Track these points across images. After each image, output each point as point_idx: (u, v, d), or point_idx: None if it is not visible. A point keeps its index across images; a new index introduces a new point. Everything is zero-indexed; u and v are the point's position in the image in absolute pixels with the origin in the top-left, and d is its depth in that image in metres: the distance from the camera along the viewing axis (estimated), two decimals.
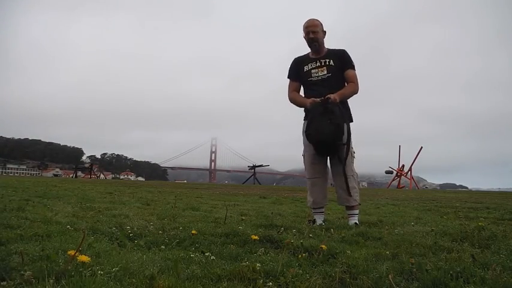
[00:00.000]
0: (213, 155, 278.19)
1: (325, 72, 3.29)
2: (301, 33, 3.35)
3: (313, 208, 3.37)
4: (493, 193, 22.66)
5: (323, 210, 3.39)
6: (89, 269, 1.39)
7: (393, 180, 76.14)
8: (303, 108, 3.43)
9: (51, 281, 1.27)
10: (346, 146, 3.18)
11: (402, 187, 69.06)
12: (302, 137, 3.44)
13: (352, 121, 3.31)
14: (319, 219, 3.31)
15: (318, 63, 3.32)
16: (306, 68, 3.35)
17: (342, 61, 3.30)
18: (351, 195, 3.21)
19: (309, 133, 3.16)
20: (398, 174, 74.77)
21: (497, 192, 34.38)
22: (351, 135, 3.22)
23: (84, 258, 1.37)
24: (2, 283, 1.28)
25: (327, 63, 3.30)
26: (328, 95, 3.09)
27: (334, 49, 3.39)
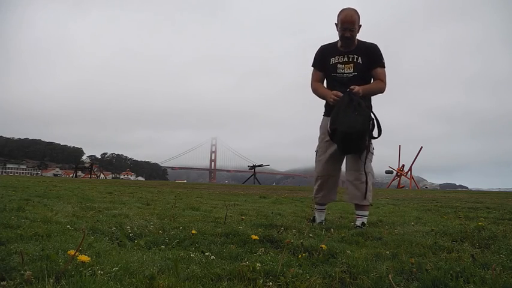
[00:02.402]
0: (213, 154, 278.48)
1: (352, 70, 3.03)
2: (335, 21, 3.03)
3: (318, 204, 3.22)
4: (493, 193, 22.66)
5: (325, 208, 3.28)
6: (89, 268, 1.38)
7: (393, 180, 76.18)
8: (324, 103, 3.20)
9: (51, 280, 1.27)
10: (369, 141, 2.99)
11: (402, 187, 69.12)
12: (318, 133, 3.25)
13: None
14: (319, 217, 3.20)
15: (346, 59, 3.05)
16: (332, 61, 3.08)
17: (371, 58, 3.03)
18: (364, 194, 3.02)
19: (335, 128, 2.86)
20: (399, 174, 74.81)
21: (497, 192, 34.37)
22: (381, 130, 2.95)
23: (84, 258, 1.37)
24: (2, 283, 1.28)
25: (355, 59, 3.02)
26: (352, 86, 2.88)
27: (365, 42, 3.08)
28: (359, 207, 3.11)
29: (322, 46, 3.20)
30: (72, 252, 1.41)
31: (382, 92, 3.04)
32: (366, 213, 3.12)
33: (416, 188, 73.23)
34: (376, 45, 3.08)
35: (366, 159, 3.01)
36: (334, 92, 2.97)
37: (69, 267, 1.37)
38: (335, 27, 3.05)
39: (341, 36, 3.00)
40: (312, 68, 3.22)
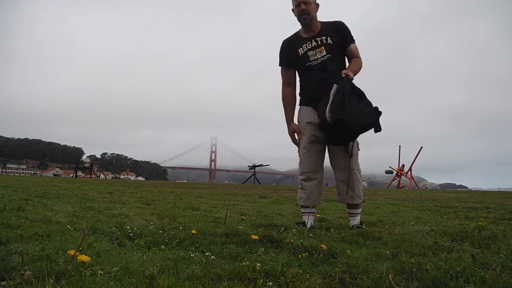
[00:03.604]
0: (213, 154, 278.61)
1: (325, 52, 2.84)
2: (290, 6, 2.89)
3: (304, 207, 2.98)
4: (493, 193, 22.65)
5: (314, 210, 3.03)
6: (89, 268, 1.38)
7: (393, 180, 76.21)
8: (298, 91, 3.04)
9: (51, 280, 1.27)
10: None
11: (402, 187, 69.17)
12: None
13: None
14: (309, 221, 2.93)
15: (314, 43, 2.85)
16: (301, 51, 2.88)
17: (341, 36, 2.87)
18: (355, 192, 2.90)
19: (341, 118, 2.57)
20: (399, 174, 74.86)
21: (497, 192, 34.37)
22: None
23: (84, 258, 1.37)
24: (2, 283, 1.28)
25: (324, 41, 2.84)
26: (346, 71, 2.70)
27: (328, 22, 2.92)
28: (352, 206, 2.98)
29: (284, 40, 3.01)
30: (72, 252, 1.41)
31: (360, 69, 2.88)
32: (359, 210, 3.02)
33: (416, 188, 73.25)
34: (341, 21, 2.93)
35: (353, 154, 2.85)
36: (293, 133, 3.00)
37: (69, 267, 1.36)
38: (293, 14, 2.89)
39: (297, 14, 2.83)
40: (280, 67, 3.03)
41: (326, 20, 2.95)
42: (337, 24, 2.92)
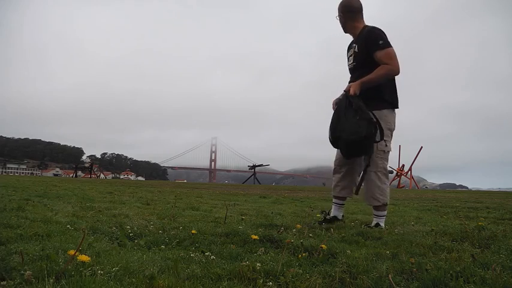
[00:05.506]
0: (213, 154, 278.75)
1: (352, 60, 2.97)
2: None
3: (334, 197, 3.14)
4: (493, 193, 22.64)
5: (343, 203, 3.14)
6: (89, 268, 1.39)
7: (393, 180, 76.24)
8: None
9: (51, 280, 1.27)
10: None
11: (402, 187, 69.19)
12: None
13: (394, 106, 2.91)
14: (335, 211, 3.09)
15: (351, 50, 3.01)
16: (347, 54, 3.10)
17: (367, 44, 2.84)
18: (368, 194, 2.93)
19: (336, 135, 2.75)
20: (399, 174, 74.87)
21: (497, 192, 34.36)
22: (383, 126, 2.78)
23: (84, 257, 1.37)
24: (2, 283, 1.28)
25: (355, 49, 2.95)
26: (346, 87, 2.81)
27: (366, 28, 2.93)
28: (374, 208, 2.99)
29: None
30: (72, 252, 1.41)
31: (390, 75, 2.81)
32: (381, 213, 2.96)
33: (416, 188, 73.27)
34: (372, 28, 2.88)
35: (371, 158, 2.83)
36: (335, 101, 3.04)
37: (69, 267, 1.37)
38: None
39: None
40: None
41: (369, 25, 2.95)
42: (366, 31, 2.90)
